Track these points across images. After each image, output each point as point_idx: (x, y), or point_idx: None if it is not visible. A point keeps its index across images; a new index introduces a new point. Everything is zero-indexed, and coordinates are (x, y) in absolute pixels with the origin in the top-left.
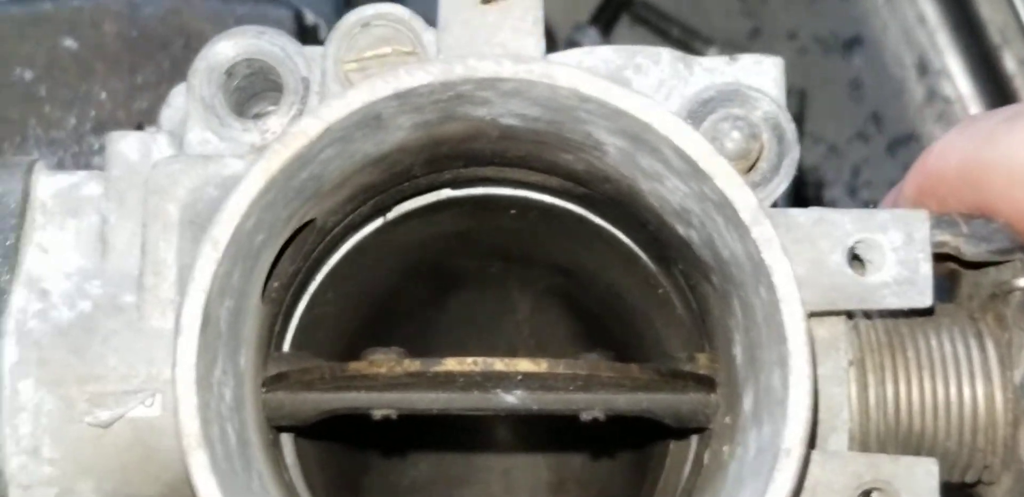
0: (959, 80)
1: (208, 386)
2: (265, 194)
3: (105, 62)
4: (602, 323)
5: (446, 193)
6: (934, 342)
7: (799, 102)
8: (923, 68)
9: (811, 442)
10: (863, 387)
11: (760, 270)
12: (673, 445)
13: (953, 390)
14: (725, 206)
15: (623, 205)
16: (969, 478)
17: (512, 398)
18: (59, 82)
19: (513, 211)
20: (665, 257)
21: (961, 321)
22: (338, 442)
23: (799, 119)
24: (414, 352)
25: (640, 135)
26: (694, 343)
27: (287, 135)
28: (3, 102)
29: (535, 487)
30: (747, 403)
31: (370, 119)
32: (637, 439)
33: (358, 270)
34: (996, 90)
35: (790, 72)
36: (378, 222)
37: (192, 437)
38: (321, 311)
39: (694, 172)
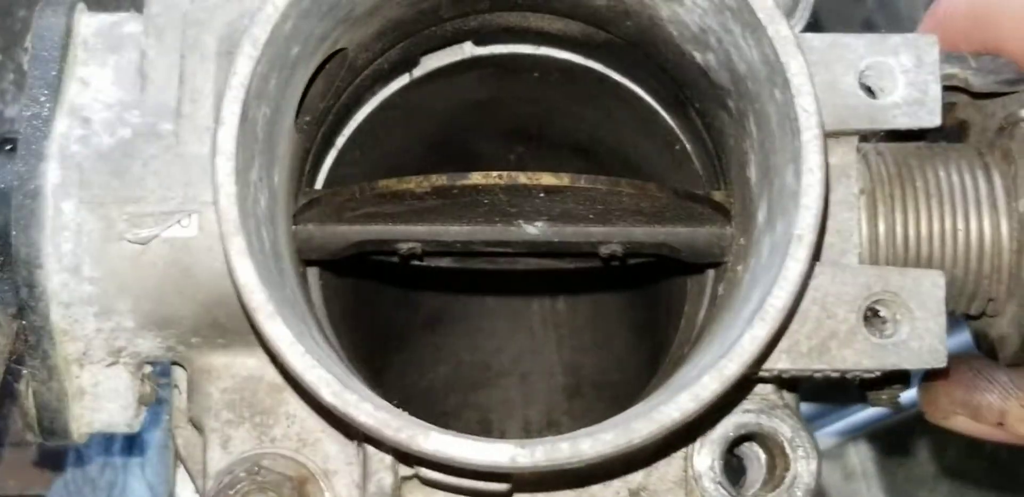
0: None
1: (246, 182)
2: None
3: None
4: None
5: (469, 50)
6: (942, 173)
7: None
8: None
9: (818, 255)
10: (872, 215)
11: (776, 70)
12: (690, 286)
13: (960, 219)
14: (743, 10)
15: (643, 47)
16: (975, 309)
17: (534, 229)
18: None
19: (536, 74)
20: (682, 102)
21: (969, 155)
22: (361, 330)
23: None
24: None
25: None
26: (711, 188)
27: None
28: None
29: (552, 391)
30: (760, 216)
31: None
32: (652, 309)
33: (384, 133)
34: None
35: None
36: (404, 79)
37: (231, 222)
38: (347, 172)
39: None
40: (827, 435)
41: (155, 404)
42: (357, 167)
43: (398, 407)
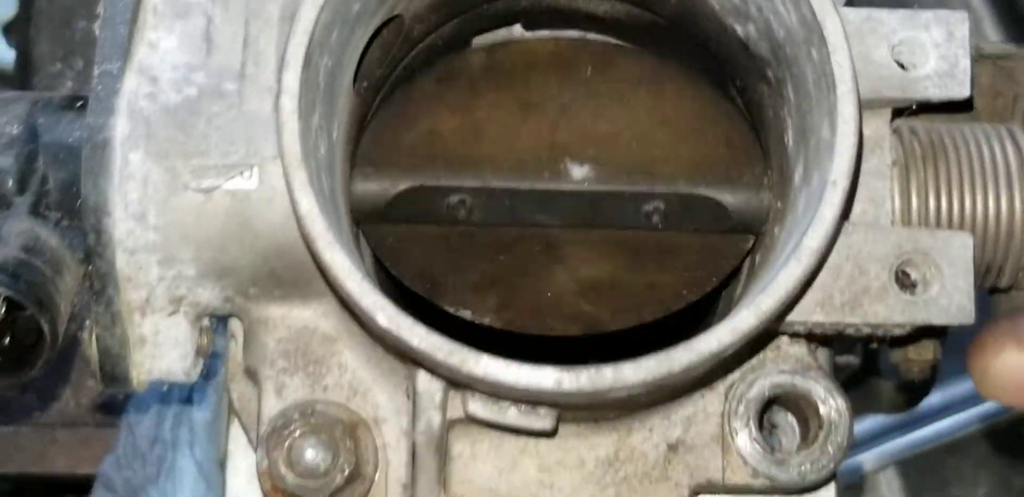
0: None
1: (308, 125)
2: None
3: None
4: None
5: (518, 33)
6: (974, 148)
7: None
8: None
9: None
10: (905, 188)
11: (812, 30)
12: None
13: (991, 193)
14: None
15: (686, 25)
16: (1005, 282)
17: (579, 172)
18: None
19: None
20: (724, 82)
21: (999, 131)
22: None
23: None
24: None
25: None
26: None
27: None
28: None
29: None
30: (797, 176)
31: None
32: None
33: None
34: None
35: None
36: None
37: (294, 156)
38: None
39: None
40: (858, 465)
41: (203, 382)
42: None
43: None
